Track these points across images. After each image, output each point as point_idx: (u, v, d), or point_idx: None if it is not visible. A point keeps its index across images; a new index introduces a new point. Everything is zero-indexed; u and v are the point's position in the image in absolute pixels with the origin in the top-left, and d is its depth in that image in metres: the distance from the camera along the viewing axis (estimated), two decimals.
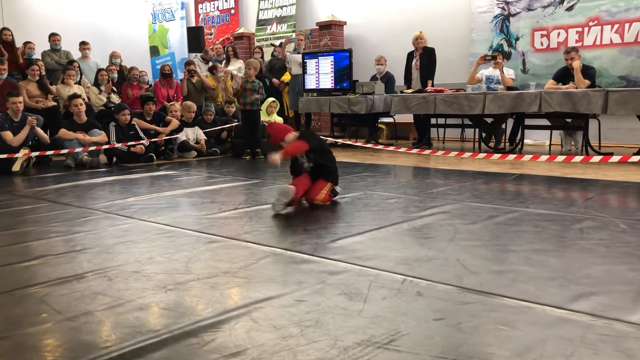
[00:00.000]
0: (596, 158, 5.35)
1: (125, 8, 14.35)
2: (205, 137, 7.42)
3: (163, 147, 7.20)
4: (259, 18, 11.67)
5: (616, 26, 7.59)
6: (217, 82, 9.10)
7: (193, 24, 12.72)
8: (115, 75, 8.83)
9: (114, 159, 6.71)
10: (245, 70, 7.17)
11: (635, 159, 5.17)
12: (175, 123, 7.33)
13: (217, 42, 12.02)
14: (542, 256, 2.50)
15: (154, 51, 13.93)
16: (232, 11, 12.42)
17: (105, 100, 8.34)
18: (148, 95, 7.63)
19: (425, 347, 1.58)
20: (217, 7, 12.70)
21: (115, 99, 8.37)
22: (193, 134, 7.39)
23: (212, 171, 5.91)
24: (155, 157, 6.85)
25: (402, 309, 1.87)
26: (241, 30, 11.86)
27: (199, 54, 10.12)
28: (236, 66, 9.67)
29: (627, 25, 7.49)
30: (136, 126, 6.94)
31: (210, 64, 9.49)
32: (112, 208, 3.84)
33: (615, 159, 5.16)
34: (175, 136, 7.28)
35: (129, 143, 6.66)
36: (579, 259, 2.48)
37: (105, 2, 14.27)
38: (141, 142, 6.76)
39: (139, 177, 5.57)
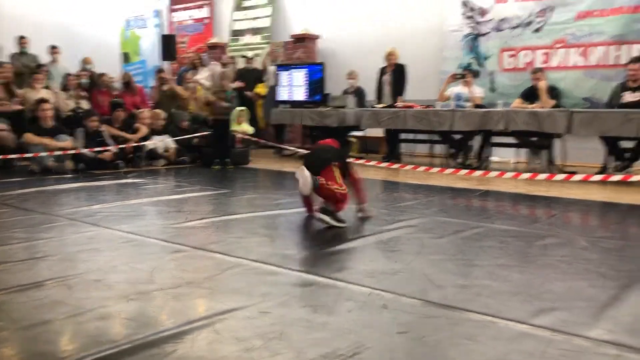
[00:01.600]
0: (560, 176, 5.47)
1: (98, 13, 14.17)
2: (174, 146, 7.34)
3: (131, 155, 7.10)
4: (233, 28, 11.66)
5: (580, 49, 7.81)
6: (187, 92, 9.03)
7: (166, 32, 12.63)
8: (86, 80, 8.69)
9: (81, 165, 6.58)
10: (220, 81, 7.14)
11: (597, 178, 5.31)
12: (144, 130, 7.24)
13: (189, 50, 11.95)
14: (505, 271, 2.54)
15: (126, 58, 13.78)
16: (206, 21, 12.38)
17: (73, 105, 8.19)
18: (117, 102, 7.52)
19: None
20: (191, 16, 12.65)
21: (85, 104, 8.23)
22: (162, 142, 7.31)
23: (180, 180, 5.85)
24: (123, 165, 6.75)
25: (367, 322, 1.87)
26: (215, 40, 11.82)
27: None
28: (204, 75, 9.63)
29: (590, 48, 7.72)
30: (104, 133, 6.83)
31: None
32: (76, 215, 3.75)
33: (578, 177, 5.28)
34: (144, 144, 7.19)
35: (96, 149, 6.55)
36: (542, 274, 2.52)
37: (78, 7, 14.06)
38: (109, 148, 6.65)
39: (105, 184, 5.47)
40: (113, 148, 6.71)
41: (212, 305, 2.03)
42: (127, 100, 8.30)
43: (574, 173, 5.71)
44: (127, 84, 8.43)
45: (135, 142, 7.10)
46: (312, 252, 2.83)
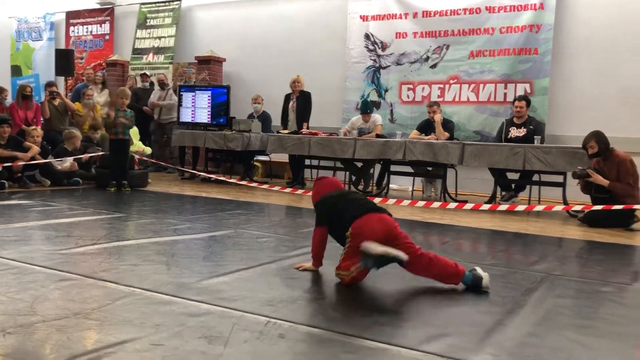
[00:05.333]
0: (452, 205, 5.77)
1: None
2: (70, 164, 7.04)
3: (19, 174, 6.63)
4: (135, 47, 11.33)
5: (472, 86, 8.35)
6: (84, 109, 8.64)
7: (63, 46, 12.05)
8: None
9: None
10: (118, 99, 6.88)
11: (486, 207, 5.65)
12: (35, 149, 6.80)
13: (88, 67, 11.46)
14: (400, 298, 2.61)
15: (16, 71, 12.96)
16: (107, 37, 11.95)
17: None
18: (3, 117, 7.02)
19: None
20: (91, 32, 12.16)
21: None
22: (68, 162, 6.99)
23: (72, 202, 5.52)
24: (6, 185, 6.28)
25: (263, 353, 1.85)
26: (115, 57, 11.44)
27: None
28: (104, 97, 9.42)
29: (481, 85, 8.28)
30: None
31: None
32: None
33: (469, 206, 5.59)
34: (51, 160, 6.78)
35: None
36: (433, 301, 2.62)
37: None
38: None
39: None
40: None
41: (101, 338, 1.92)
42: (20, 115, 7.78)
43: (465, 202, 6.05)
44: (26, 96, 7.89)
45: (26, 161, 6.65)
46: (210, 280, 2.75)
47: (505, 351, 1.97)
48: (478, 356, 1.91)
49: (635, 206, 5.12)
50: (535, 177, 6.69)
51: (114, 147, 6.82)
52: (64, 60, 9.97)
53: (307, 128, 8.20)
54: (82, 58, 12.13)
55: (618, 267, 3.58)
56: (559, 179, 6.32)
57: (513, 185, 6.94)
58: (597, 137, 5.48)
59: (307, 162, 8.28)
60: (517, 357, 1.92)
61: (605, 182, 5.36)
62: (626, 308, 2.66)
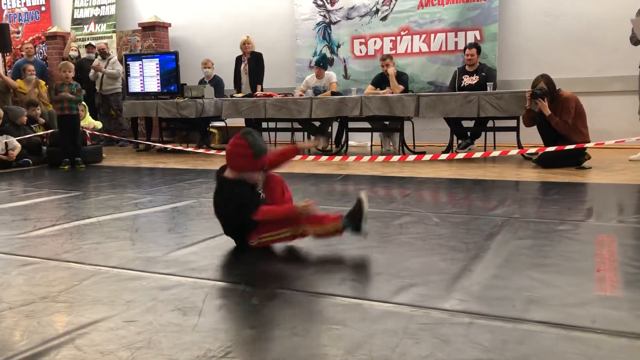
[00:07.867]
0: (411, 157, 5.84)
1: None
2: (19, 145, 6.73)
3: None
4: (75, 17, 10.85)
5: (423, 36, 8.36)
6: (28, 86, 8.29)
7: None
8: None
9: None
10: (62, 73, 6.62)
11: (443, 157, 5.74)
12: None
13: (26, 41, 10.94)
14: (367, 252, 2.66)
15: None
16: (43, 8, 11.39)
17: None
18: None
19: (262, 355, 1.59)
20: (25, 4, 11.55)
21: None
22: (1, 143, 6.65)
23: (25, 184, 5.35)
24: None
25: (238, 319, 1.87)
26: (54, 29, 10.94)
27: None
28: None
29: (432, 35, 8.29)
30: None
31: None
32: None
33: (427, 157, 5.68)
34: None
35: None
36: (399, 253, 2.68)
37: None
38: None
39: None
40: None
41: (71, 320, 1.89)
42: None
43: (423, 153, 6.13)
44: None
45: None
46: (178, 251, 2.74)
47: (473, 296, 2.04)
48: (447, 303, 1.97)
49: (586, 145, 5.30)
50: (490, 124, 6.82)
51: (62, 123, 6.60)
52: (0, 36, 9.46)
53: (262, 90, 8.10)
54: (18, 32, 11.55)
55: (573, 205, 3.72)
56: (512, 123, 6.46)
57: (469, 133, 7.07)
58: (546, 78, 5.61)
59: (264, 124, 8.21)
60: (484, 300, 1.99)
61: (547, 111, 5.51)
62: (582, 244, 2.78)
